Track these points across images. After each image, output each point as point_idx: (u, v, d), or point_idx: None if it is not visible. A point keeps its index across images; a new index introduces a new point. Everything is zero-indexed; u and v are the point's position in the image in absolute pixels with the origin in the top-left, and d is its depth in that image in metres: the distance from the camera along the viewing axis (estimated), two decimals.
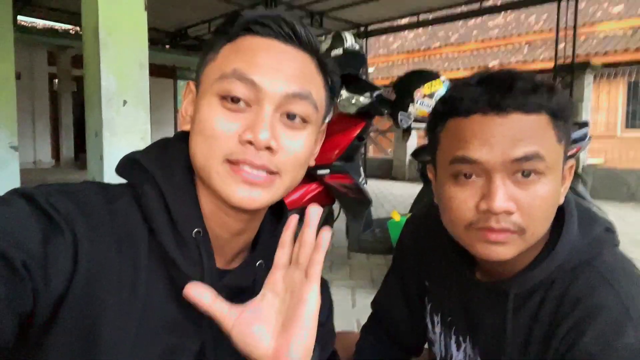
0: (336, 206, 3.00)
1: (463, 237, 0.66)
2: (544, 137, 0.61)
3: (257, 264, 0.64)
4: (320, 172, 2.68)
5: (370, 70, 14.82)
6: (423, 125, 2.08)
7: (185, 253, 0.58)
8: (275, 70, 0.55)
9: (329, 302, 0.77)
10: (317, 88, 0.60)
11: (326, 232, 0.52)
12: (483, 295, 0.75)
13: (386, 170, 9.86)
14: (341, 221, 3.14)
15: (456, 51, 14.23)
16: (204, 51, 0.60)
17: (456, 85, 0.68)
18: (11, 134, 4.42)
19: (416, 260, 0.90)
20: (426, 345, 0.95)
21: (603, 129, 11.93)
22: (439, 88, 2.51)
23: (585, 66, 7.03)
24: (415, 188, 3.16)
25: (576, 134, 2.87)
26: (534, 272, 0.67)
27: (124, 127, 2.38)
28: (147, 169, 0.60)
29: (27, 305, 0.47)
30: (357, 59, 2.69)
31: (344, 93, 2.65)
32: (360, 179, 2.82)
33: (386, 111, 2.69)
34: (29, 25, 10.14)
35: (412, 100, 2.54)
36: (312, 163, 0.66)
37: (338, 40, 2.67)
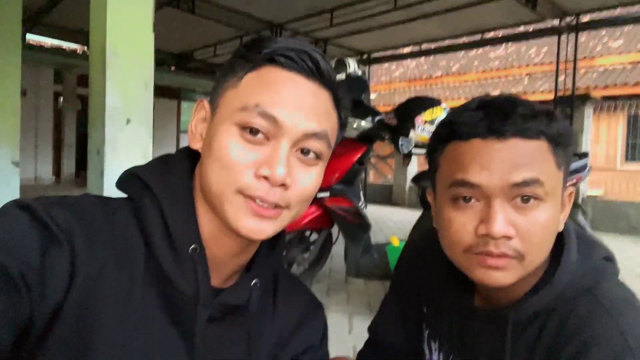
0: (335, 230, 2.99)
1: (461, 262, 0.66)
2: (543, 162, 0.61)
3: (252, 283, 0.64)
4: (320, 195, 2.68)
5: (373, 96, 14.98)
6: (424, 151, 2.09)
7: (180, 269, 0.58)
8: (297, 108, 0.56)
9: (324, 324, 0.76)
10: (332, 125, 0.61)
11: None
12: (481, 322, 0.74)
13: (386, 196, 9.86)
14: (340, 245, 3.13)
15: (457, 81, 14.42)
16: (223, 72, 0.60)
17: (456, 109, 0.68)
18: (13, 150, 4.45)
19: (414, 285, 0.90)
20: None
21: (603, 162, 11.98)
22: (440, 115, 2.54)
23: (585, 98, 7.11)
24: (415, 214, 3.15)
25: (576, 164, 2.88)
26: (532, 300, 0.66)
27: (126, 145, 2.39)
28: (147, 184, 0.60)
29: (23, 316, 0.47)
30: (359, 84, 2.72)
31: None
32: (360, 203, 2.82)
33: (387, 136, 2.71)
34: (37, 43, 10.31)
35: (413, 126, 2.56)
36: None
37: (341, 65, 2.72)
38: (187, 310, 0.58)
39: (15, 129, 4.45)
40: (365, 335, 1.02)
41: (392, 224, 6.92)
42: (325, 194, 2.69)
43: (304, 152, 0.58)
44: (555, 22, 6.93)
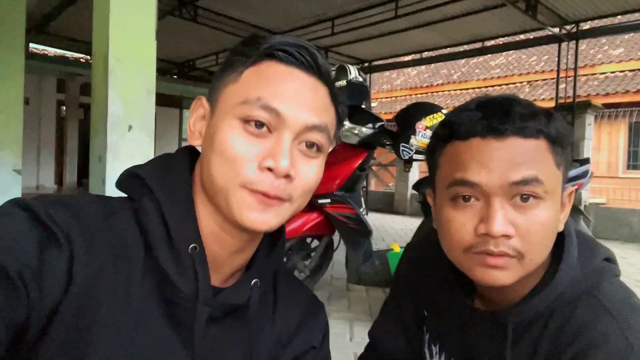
0: (336, 237, 2.98)
1: (461, 261, 0.65)
2: (542, 161, 0.61)
3: (252, 282, 0.63)
4: (321, 201, 2.68)
5: (374, 104, 15.04)
6: (424, 157, 2.09)
7: (180, 269, 0.57)
8: (297, 101, 0.57)
9: (325, 325, 0.76)
10: (331, 119, 0.61)
11: None
12: (482, 325, 0.73)
13: (388, 204, 9.85)
14: (341, 252, 3.12)
15: (458, 89, 14.47)
16: (221, 69, 0.61)
17: (455, 109, 0.68)
18: (16, 158, 4.47)
19: (415, 288, 0.89)
20: None
21: (605, 169, 11.97)
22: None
23: (586, 106, 7.11)
24: (417, 222, 3.16)
25: (577, 170, 2.88)
26: (533, 301, 0.66)
27: (128, 151, 2.40)
28: (146, 183, 0.60)
29: (20, 316, 0.47)
30: (360, 90, 2.73)
31: (347, 123, 2.69)
32: (361, 210, 2.82)
33: (388, 142, 2.71)
34: (40, 52, 10.39)
35: (414, 132, 2.57)
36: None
37: (342, 72, 2.73)
38: (187, 310, 0.58)
39: (17, 137, 4.48)
40: (366, 342, 1.02)
41: (394, 231, 6.91)
42: (327, 201, 2.69)
43: (307, 145, 0.59)
44: (556, 30, 6.96)
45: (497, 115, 0.61)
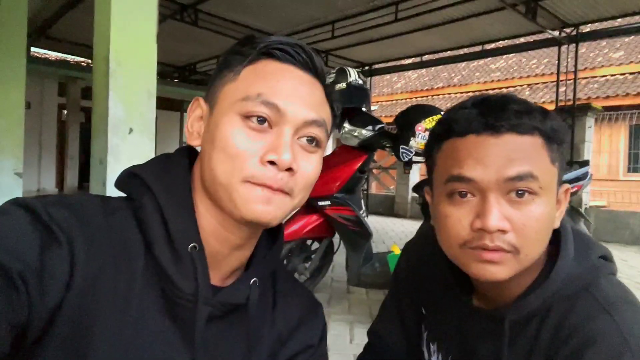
0: (336, 239, 2.99)
1: (458, 257, 0.66)
2: (538, 158, 0.62)
3: (252, 281, 0.64)
4: (321, 203, 2.68)
5: (375, 108, 15.05)
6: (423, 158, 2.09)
7: (180, 267, 0.58)
8: (296, 97, 0.58)
9: (323, 324, 0.76)
10: (327, 115, 0.63)
11: None
12: (480, 323, 0.74)
13: (388, 207, 9.85)
14: (341, 254, 3.12)
15: (458, 92, 14.48)
16: (218, 69, 0.62)
17: (452, 108, 0.69)
18: (17, 161, 4.48)
19: (413, 286, 0.89)
20: None
21: (605, 172, 11.96)
22: None
23: (586, 108, 7.12)
24: (417, 225, 3.16)
25: (577, 172, 2.88)
26: (530, 298, 0.66)
27: (129, 154, 2.40)
28: (146, 183, 0.60)
29: (21, 316, 0.47)
30: (360, 93, 2.74)
31: (347, 126, 2.69)
32: (361, 212, 2.82)
33: (388, 144, 2.72)
34: (42, 56, 10.42)
35: (414, 134, 2.58)
36: None
37: (342, 74, 2.74)
38: (186, 308, 0.58)
39: (19, 140, 4.49)
40: None
41: (395, 234, 6.90)
42: (327, 203, 2.69)
43: (308, 140, 0.60)
44: (556, 33, 6.97)
45: (492, 112, 0.62)
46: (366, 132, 2.67)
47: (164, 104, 10.86)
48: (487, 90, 13.59)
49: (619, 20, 6.93)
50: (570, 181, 2.89)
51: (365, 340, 1.01)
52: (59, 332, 0.50)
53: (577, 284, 0.66)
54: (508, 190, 0.61)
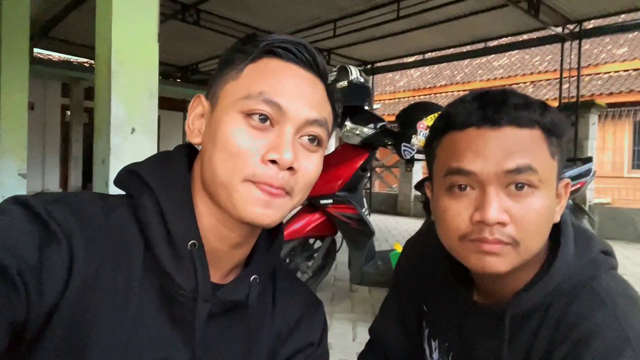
0: (339, 237, 2.98)
1: (457, 250, 0.66)
2: (537, 151, 0.62)
3: (252, 279, 0.64)
4: (323, 202, 2.68)
5: (377, 106, 15.03)
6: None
7: (179, 265, 0.58)
8: (298, 96, 0.58)
9: (323, 322, 0.76)
10: (328, 114, 0.63)
11: None
12: (480, 318, 0.74)
13: (391, 206, 9.84)
14: (344, 253, 3.12)
15: (461, 90, 14.43)
16: (220, 67, 0.62)
17: (452, 102, 0.70)
18: (21, 162, 4.51)
19: (414, 283, 0.89)
20: None
21: (610, 169, 11.92)
22: None
23: (589, 105, 7.09)
24: (420, 223, 3.15)
25: (580, 169, 2.87)
26: (530, 292, 0.66)
27: (131, 154, 2.41)
28: (145, 180, 0.60)
29: (20, 314, 0.47)
30: (362, 91, 2.73)
31: (348, 124, 2.69)
32: (364, 210, 2.82)
33: (389, 142, 2.71)
34: (45, 57, 10.45)
35: (415, 132, 2.57)
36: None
37: (343, 73, 2.73)
38: (186, 306, 0.58)
39: (22, 141, 4.52)
40: None
41: (397, 233, 6.89)
42: (329, 201, 2.69)
43: (309, 139, 0.60)
44: (559, 29, 6.94)
45: (492, 106, 0.63)
46: (368, 130, 2.66)
47: (166, 104, 10.90)
48: (490, 88, 13.55)
49: (623, 16, 6.91)
50: (573, 178, 2.88)
51: (368, 338, 1.01)
52: (57, 330, 0.50)
53: (578, 278, 0.66)
54: (507, 183, 0.62)
